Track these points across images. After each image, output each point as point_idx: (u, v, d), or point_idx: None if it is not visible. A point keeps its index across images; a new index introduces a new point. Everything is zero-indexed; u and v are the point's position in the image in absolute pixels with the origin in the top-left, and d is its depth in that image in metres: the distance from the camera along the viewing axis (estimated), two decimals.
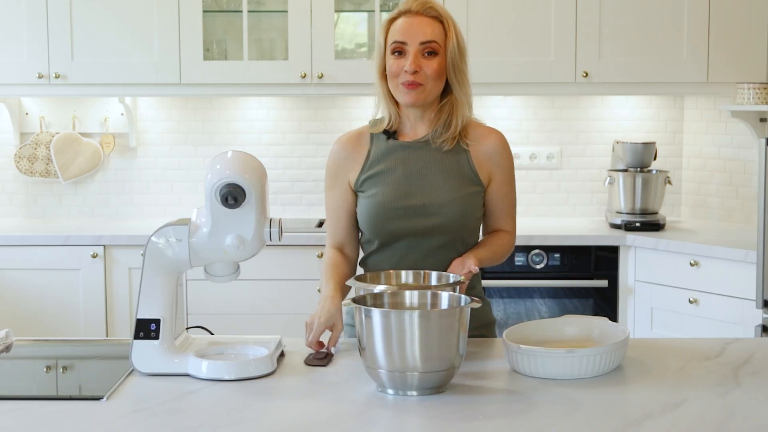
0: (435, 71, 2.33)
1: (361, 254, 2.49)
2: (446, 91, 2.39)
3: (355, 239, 2.48)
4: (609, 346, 2.02)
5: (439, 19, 2.35)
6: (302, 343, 2.26)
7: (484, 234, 2.51)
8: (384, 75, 2.39)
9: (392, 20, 2.37)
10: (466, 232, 2.41)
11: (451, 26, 2.36)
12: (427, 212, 2.37)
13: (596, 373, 2.00)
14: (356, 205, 2.44)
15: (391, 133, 2.42)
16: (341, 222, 2.45)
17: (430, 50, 2.33)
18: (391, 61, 2.35)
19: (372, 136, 2.44)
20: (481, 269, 2.37)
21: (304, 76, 4.18)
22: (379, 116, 2.45)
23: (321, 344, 2.21)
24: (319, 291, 3.98)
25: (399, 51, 2.33)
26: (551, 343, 2.12)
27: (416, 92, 2.33)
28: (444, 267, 2.34)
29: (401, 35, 2.33)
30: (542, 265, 4.03)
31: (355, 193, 2.44)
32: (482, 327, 2.40)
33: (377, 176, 2.40)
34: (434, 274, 2.23)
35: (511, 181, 2.48)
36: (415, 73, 2.31)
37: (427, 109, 2.40)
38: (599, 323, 2.22)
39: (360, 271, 2.45)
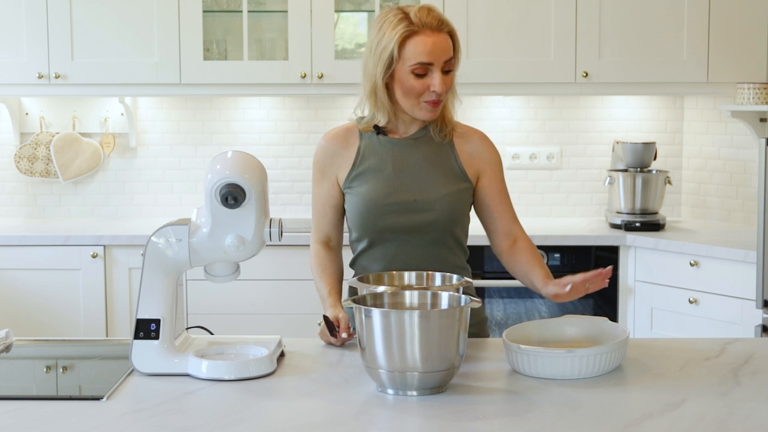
0: (450, 86, 2.36)
1: (351, 255, 2.49)
2: None
3: (341, 231, 2.50)
4: (609, 346, 2.02)
5: (451, 34, 2.34)
6: (302, 343, 2.28)
7: (498, 238, 2.47)
8: (387, 82, 2.35)
9: (408, 36, 2.29)
10: (455, 228, 2.43)
11: (458, 37, 2.37)
12: (419, 208, 2.38)
13: (596, 373, 2.00)
14: (343, 202, 2.45)
15: (381, 130, 2.43)
16: (327, 216, 2.47)
17: (448, 68, 2.33)
18: (413, 81, 2.31)
19: (361, 132, 2.45)
20: (476, 270, 2.37)
21: (304, 76, 4.18)
22: (365, 114, 2.45)
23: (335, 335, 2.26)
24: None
25: (422, 72, 2.31)
26: (551, 343, 2.12)
27: (437, 109, 2.36)
28: (434, 264, 2.34)
29: (428, 56, 2.29)
30: None
31: (342, 190, 2.44)
32: (475, 325, 2.40)
33: (367, 173, 2.41)
34: (438, 275, 2.22)
35: (501, 173, 2.48)
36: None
37: None
38: (599, 323, 2.22)
39: (352, 272, 2.46)
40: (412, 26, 2.29)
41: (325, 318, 2.26)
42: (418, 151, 2.41)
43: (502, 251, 2.46)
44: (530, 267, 2.37)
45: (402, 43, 2.29)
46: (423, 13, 2.31)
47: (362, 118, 2.46)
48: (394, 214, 2.38)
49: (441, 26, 2.31)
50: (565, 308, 4.04)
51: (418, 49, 2.29)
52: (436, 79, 2.30)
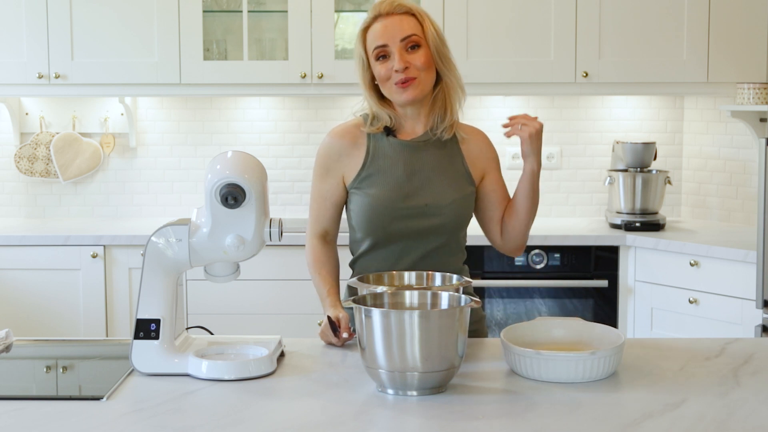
0: (423, 63, 2.34)
1: (350, 256, 2.48)
2: (436, 82, 2.40)
3: (338, 224, 2.50)
4: (609, 350, 1.99)
5: (411, 13, 2.36)
6: (302, 342, 2.28)
7: (497, 226, 2.49)
8: (372, 85, 2.40)
9: (366, 29, 2.39)
10: (459, 232, 2.43)
11: (425, 17, 2.38)
12: (429, 213, 2.37)
13: (596, 377, 1.99)
14: (346, 201, 2.45)
15: (390, 131, 2.42)
16: (328, 212, 2.46)
17: (412, 44, 2.34)
18: (378, 68, 2.36)
19: (369, 133, 2.44)
20: (476, 270, 2.37)
21: (304, 76, 4.18)
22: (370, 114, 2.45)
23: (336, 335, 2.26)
24: None
25: (383, 55, 2.35)
26: (549, 344, 2.11)
27: (411, 88, 2.34)
28: (435, 267, 2.33)
29: (380, 38, 2.35)
30: (542, 265, 4.03)
31: (347, 189, 2.43)
32: (474, 323, 2.39)
33: (378, 175, 2.39)
34: (438, 275, 2.22)
35: (500, 168, 2.51)
36: (405, 69, 2.32)
37: (422, 104, 2.41)
38: (590, 326, 2.20)
39: (349, 272, 2.46)
40: (368, 20, 2.39)
41: (329, 318, 2.26)
42: (428, 154, 2.41)
43: (497, 236, 2.49)
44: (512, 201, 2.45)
45: (363, 38, 2.39)
46: (379, 4, 2.37)
47: (369, 116, 2.44)
48: (405, 218, 2.37)
49: (393, 9, 2.36)
50: (565, 309, 4.04)
51: (371, 36, 2.37)
52: (394, 59, 2.33)
